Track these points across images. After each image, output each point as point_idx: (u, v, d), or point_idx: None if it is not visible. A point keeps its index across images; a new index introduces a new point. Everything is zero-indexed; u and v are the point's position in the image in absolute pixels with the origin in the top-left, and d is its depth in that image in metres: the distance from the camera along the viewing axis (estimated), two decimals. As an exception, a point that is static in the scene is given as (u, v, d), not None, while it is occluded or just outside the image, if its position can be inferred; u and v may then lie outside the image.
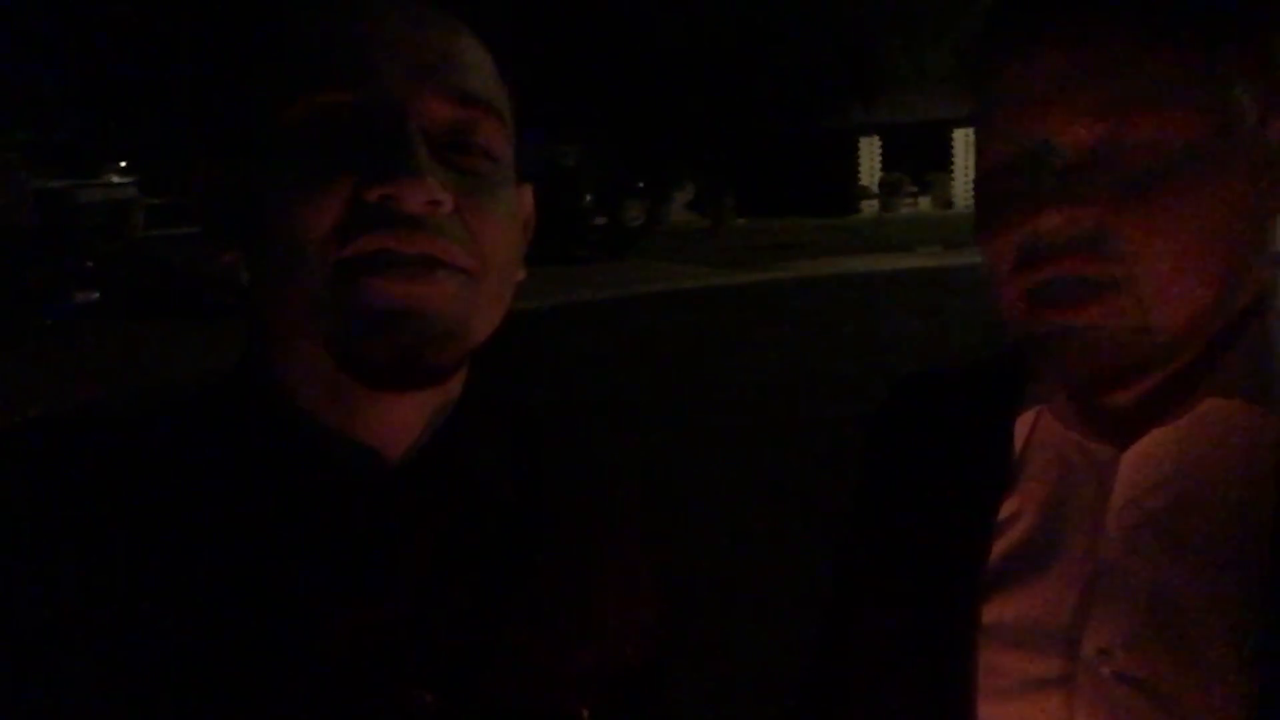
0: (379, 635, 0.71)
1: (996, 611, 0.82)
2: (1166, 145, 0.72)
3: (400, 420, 0.74)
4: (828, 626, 0.98)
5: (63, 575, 0.67)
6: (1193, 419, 0.78)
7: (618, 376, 9.71)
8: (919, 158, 29.87)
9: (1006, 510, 0.85)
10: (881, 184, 27.18)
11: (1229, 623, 0.73)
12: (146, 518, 0.69)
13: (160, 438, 0.74)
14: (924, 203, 30.25)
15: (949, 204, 29.57)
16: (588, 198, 21.23)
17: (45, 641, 0.65)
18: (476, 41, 0.74)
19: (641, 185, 23.25)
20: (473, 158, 0.72)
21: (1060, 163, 0.74)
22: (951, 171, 29.98)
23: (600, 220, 21.60)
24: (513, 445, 0.82)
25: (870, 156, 31.43)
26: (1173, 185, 0.72)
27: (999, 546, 0.84)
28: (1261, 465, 0.76)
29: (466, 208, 0.70)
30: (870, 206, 29.37)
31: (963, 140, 29.77)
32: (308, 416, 0.73)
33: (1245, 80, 0.74)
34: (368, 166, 0.67)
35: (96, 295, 14.15)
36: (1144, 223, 0.72)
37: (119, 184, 20.50)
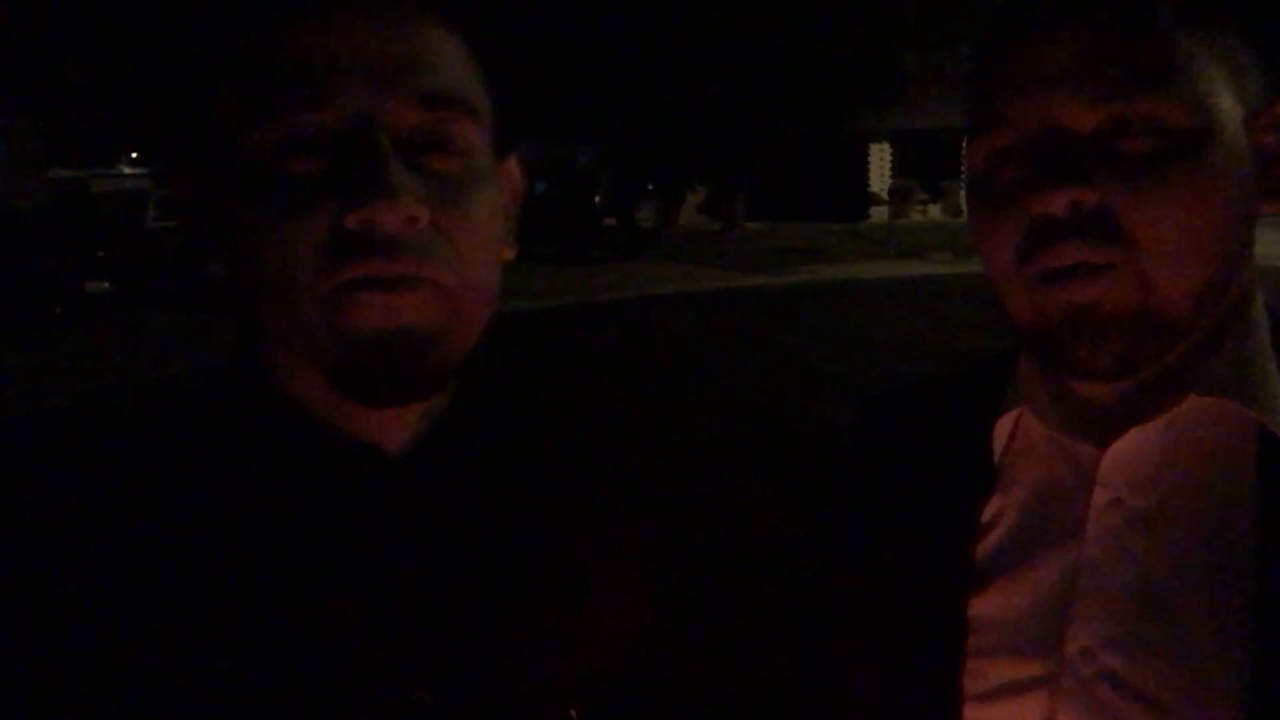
0: (375, 634, 0.71)
1: (980, 614, 0.83)
2: (1166, 131, 0.75)
3: (396, 420, 0.74)
4: (815, 638, 0.98)
5: (59, 566, 0.66)
6: (1174, 417, 0.79)
7: (627, 377, 9.71)
8: (930, 165, 29.80)
9: (988, 513, 0.86)
10: (892, 190, 27.13)
11: (1216, 620, 0.74)
12: (141, 513, 0.69)
13: (157, 432, 0.74)
14: (934, 210, 30.17)
15: (959, 211, 29.40)
16: (599, 198, 21.23)
17: (41, 632, 0.65)
18: (447, 35, 0.73)
19: (653, 187, 23.23)
20: (447, 158, 0.71)
21: (1066, 146, 0.75)
22: (962, 179, 29.70)
23: (612, 221, 21.59)
24: (510, 444, 0.82)
25: (880, 163, 31.35)
26: (1174, 169, 0.75)
27: (981, 550, 0.85)
28: (1243, 462, 0.78)
29: (443, 216, 0.70)
30: (880, 213, 29.31)
31: (975, 148, 29.46)
32: (303, 414, 0.73)
33: (1222, 81, 0.77)
34: (344, 191, 0.67)
35: (108, 286, 14.16)
36: (1146, 203, 0.74)
37: (132, 174, 20.55)
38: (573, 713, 0.77)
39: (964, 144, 0.84)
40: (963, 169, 0.86)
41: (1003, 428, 0.87)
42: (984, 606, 0.83)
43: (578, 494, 0.86)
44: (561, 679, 0.78)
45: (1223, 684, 0.73)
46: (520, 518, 0.79)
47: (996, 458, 0.87)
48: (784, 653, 1.06)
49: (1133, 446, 0.80)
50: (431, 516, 0.75)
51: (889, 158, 31.28)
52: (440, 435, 0.77)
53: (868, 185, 30.87)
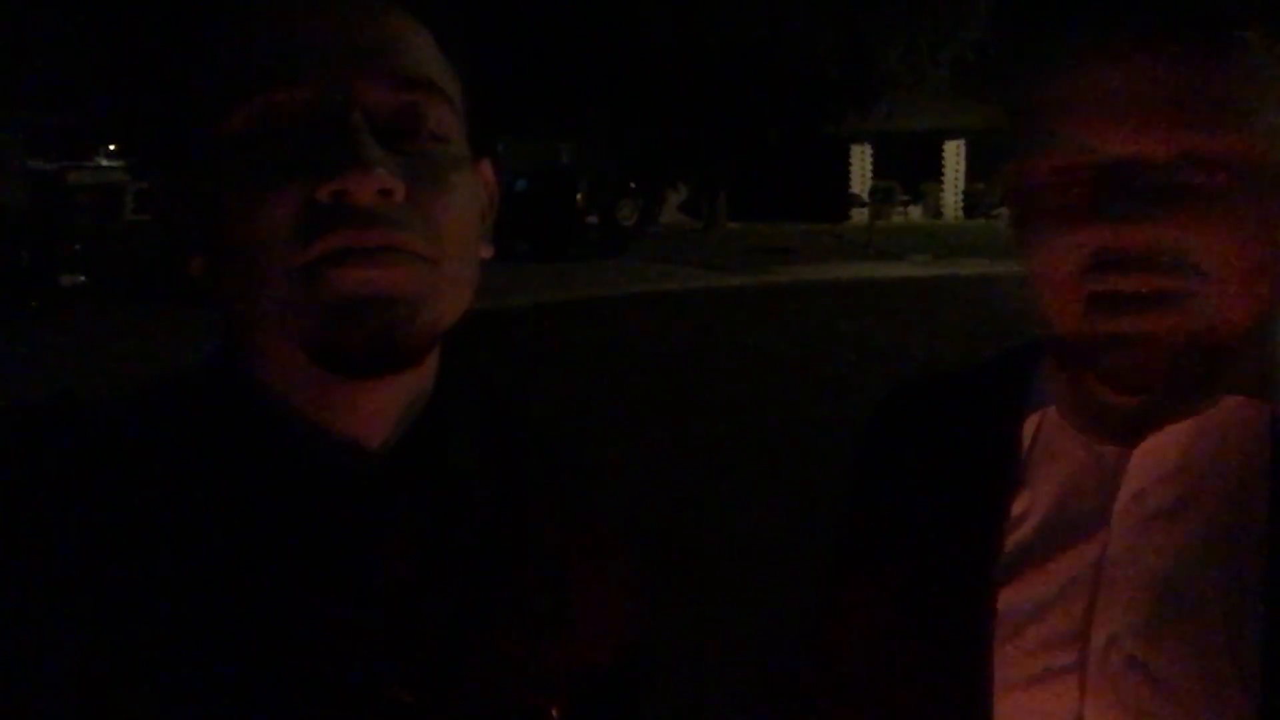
0: (356, 633, 0.70)
1: (1009, 606, 0.85)
2: (1238, 164, 0.75)
3: (376, 411, 0.74)
4: (824, 631, 0.99)
5: (34, 565, 0.66)
6: (1202, 417, 0.81)
7: (607, 376, 9.71)
8: (910, 167, 29.92)
9: (1017, 508, 0.88)
10: (873, 192, 27.26)
11: (1230, 609, 0.77)
12: (121, 511, 0.69)
13: (137, 429, 0.73)
14: (914, 212, 30.30)
15: (939, 214, 29.60)
16: (580, 196, 21.20)
17: (13, 632, 0.64)
18: (415, 23, 0.73)
19: (635, 185, 23.22)
20: (422, 141, 0.71)
21: (1141, 176, 0.75)
22: (942, 181, 30.07)
23: (593, 219, 21.57)
24: (490, 441, 0.82)
25: (862, 164, 31.49)
26: (1246, 204, 0.75)
27: (1010, 543, 0.87)
28: (1260, 456, 0.80)
29: (420, 193, 0.70)
30: (861, 214, 29.40)
31: (953, 151, 29.82)
32: (285, 410, 0.73)
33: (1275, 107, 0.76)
34: (316, 165, 0.67)
35: (84, 279, 14.07)
36: (1223, 240, 0.75)
37: (109, 167, 20.37)
38: (554, 711, 0.77)
39: (1010, 153, 0.82)
40: (1003, 180, 0.83)
41: (1030, 424, 0.89)
42: (1013, 598, 0.85)
43: (559, 492, 0.86)
44: (543, 677, 0.78)
45: (1236, 671, 0.76)
46: (501, 516, 0.79)
47: (1024, 454, 0.89)
48: (762, 648, 1.06)
49: (1159, 444, 0.82)
50: (413, 515, 0.74)
51: (870, 159, 31.42)
52: (420, 434, 0.76)
53: (849, 186, 30.99)
